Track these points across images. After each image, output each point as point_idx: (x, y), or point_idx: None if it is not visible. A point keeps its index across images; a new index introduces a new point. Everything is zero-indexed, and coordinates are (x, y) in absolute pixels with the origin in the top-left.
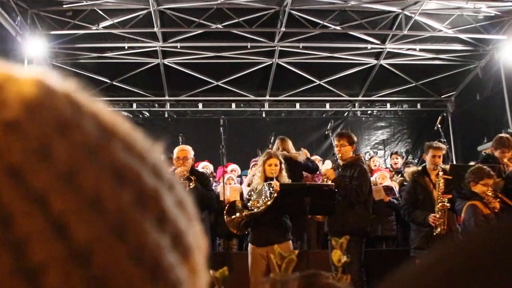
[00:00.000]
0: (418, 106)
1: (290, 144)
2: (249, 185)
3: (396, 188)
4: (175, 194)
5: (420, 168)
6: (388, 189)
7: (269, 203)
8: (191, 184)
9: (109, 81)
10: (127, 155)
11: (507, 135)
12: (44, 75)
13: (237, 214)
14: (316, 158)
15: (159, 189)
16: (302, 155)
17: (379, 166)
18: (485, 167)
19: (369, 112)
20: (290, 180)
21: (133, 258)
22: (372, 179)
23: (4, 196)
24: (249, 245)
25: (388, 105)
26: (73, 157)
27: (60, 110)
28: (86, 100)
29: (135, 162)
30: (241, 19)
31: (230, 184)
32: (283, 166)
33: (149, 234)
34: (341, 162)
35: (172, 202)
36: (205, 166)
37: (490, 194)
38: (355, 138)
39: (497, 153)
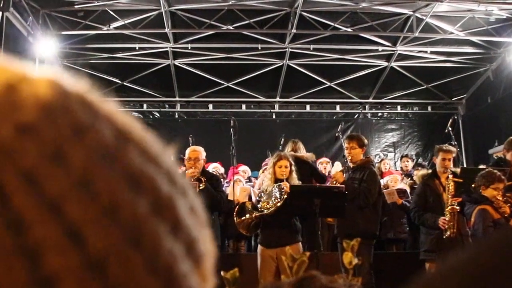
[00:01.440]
0: (429, 108)
1: (302, 146)
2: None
3: (408, 190)
4: (188, 200)
5: (430, 171)
6: (401, 192)
7: (279, 204)
8: (201, 185)
9: (120, 82)
10: (142, 160)
11: None
12: (58, 75)
13: (247, 215)
14: (324, 160)
15: (174, 196)
16: (310, 156)
17: (389, 168)
18: (495, 171)
19: (379, 114)
20: (300, 182)
21: (149, 267)
22: (383, 182)
23: (19, 201)
24: (259, 246)
25: (399, 107)
26: (89, 163)
27: (75, 113)
28: (100, 102)
29: (151, 167)
30: (252, 21)
31: (238, 185)
32: (293, 168)
33: (164, 242)
34: (351, 165)
35: (185, 209)
36: (215, 167)
37: (501, 198)
38: (365, 141)
39: (509, 155)
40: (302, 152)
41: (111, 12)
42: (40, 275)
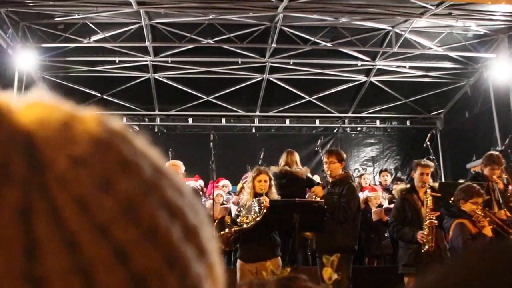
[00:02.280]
0: (408, 123)
1: (297, 158)
2: (238, 203)
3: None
4: (207, 230)
5: (408, 185)
6: (389, 210)
7: (258, 219)
8: None
9: (99, 95)
10: (174, 193)
11: (497, 153)
12: (103, 115)
13: (226, 230)
14: None
15: (198, 225)
16: (305, 170)
17: (369, 183)
18: (475, 185)
19: (358, 128)
20: (280, 197)
21: (181, 285)
22: (363, 195)
23: (73, 224)
24: (238, 261)
25: (378, 122)
26: (133, 193)
27: (120, 148)
28: (136, 139)
29: (180, 199)
30: (232, 35)
31: (219, 200)
32: (272, 182)
33: (192, 265)
34: (330, 179)
35: (206, 237)
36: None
37: (480, 212)
38: (345, 156)
39: (486, 170)
40: (297, 164)
41: (91, 25)
42: None
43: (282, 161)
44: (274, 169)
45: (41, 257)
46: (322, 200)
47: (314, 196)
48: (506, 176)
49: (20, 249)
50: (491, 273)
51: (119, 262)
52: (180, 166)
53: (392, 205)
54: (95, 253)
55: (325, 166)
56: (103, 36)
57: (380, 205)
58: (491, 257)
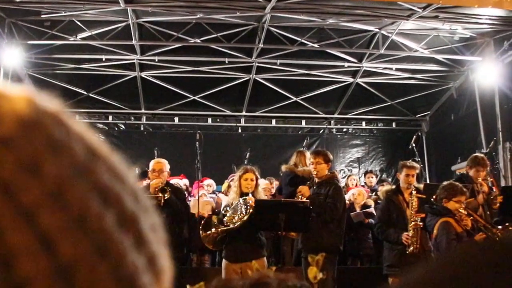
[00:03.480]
0: (393, 125)
1: (306, 158)
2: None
3: (372, 205)
4: (150, 218)
5: (394, 186)
6: (368, 214)
7: (244, 218)
8: (165, 195)
9: (85, 93)
10: (110, 177)
11: (482, 155)
12: (34, 93)
13: (213, 230)
14: None
15: (137, 212)
16: (309, 171)
17: (356, 184)
18: (457, 183)
19: (344, 130)
20: (266, 196)
21: (113, 276)
22: (348, 196)
23: None
24: (223, 260)
25: (364, 123)
26: (62, 176)
27: (51, 129)
28: (72, 121)
29: (117, 184)
30: (219, 34)
31: (202, 199)
32: (259, 181)
33: (128, 254)
34: (316, 180)
35: (147, 225)
36: (177, 184)
37: (463, 211)
38: (331, 156)
39: (471, 172)
40: (306, 165)
41: (78, 23)
42: (11, 279)
43: (291, 161)
44: (283, 168)
45: None
46: (308, 200)
47: (300, 196)
48: (491, 179)
49: None
50: (478, 267)
51: (44, 250)
52: (165, 164)
53: (371, 210)
54: (17, 239)
55: (311, 167)
56: (89, 33)
57: (365, 205)
58: (478, 252)
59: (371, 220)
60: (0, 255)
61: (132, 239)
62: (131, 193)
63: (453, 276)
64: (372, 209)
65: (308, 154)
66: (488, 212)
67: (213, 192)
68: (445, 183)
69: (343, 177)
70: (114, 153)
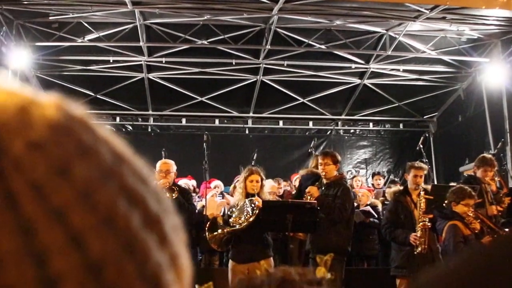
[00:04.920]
0: (401, 126)
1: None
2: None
3: (379, 206)
4: (171, 219)
5: (401, 187)
6: (366, 213)
7: (251, 219)
8: (173, 194)
9: (93, 94)
10: (134, 180)
11: (490, 155)
12: (63, 100)
13: (219, 231)
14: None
15: (160, 213)
16: None
17: (361, 185)
18: (466, 187)
19: (351, 131)
20: (271, 197)
21: (139, 273)
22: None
23: (28, 209)
24: (230, 261)
25: (371, 124)
26: (90, 178)
27: (79, 134)
28: (98, 126)
29: (141, 187)
30: (226, 36)
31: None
32: (264, 182)
33: (153, 253)
34: (324, 181)
35: (169, 226)
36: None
37: (471, 214)
38: (340, 158)
39: (479, 172)
40: None
41: (86, 24)
42: (45, 274)
43: (312, 164)
44: (302, 172)
45: None
46: (315, 201)
47: (309, 197)
48: (498, 179)
49: None
50: (489, 268)
51: (74, 247)
52: (172, 165)
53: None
54: (50, 238)
55: (320, 168)
56: (97, 35)
57: (370, 206)
58: (488, 253)
59: (373, 220)
60: (34, 253)
61: (156, 239)
62: (154, 195)
63: (470, 274)
64: (369, 208)
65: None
66: (496, 212)
67: (221, 193)
68: (454, 186)
69: (350, 178)
70: (137, 157)
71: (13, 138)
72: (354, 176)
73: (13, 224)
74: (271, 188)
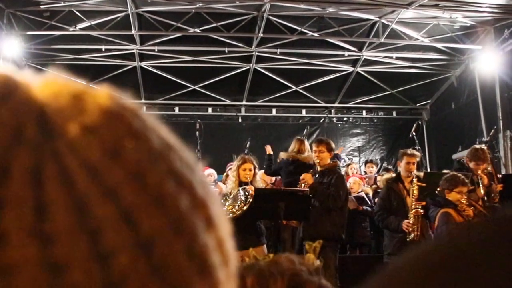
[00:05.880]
0: (394, 113)
1: (307, 146)
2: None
3: (370, 194)
4: (217, 206)
5: (394, 175)
6: (360, 199)
7: (245, 208)
8: None
9: (85, 83)
10: (182, 165)
11: (482, 147)
12: (114, 91)
13: None
14: None
15: (207, 198)
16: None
17: (356, 172)
18: (459, 175)
19: (345, 119)
20: (264, 185)
21: (187, 252)
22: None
23: (82, 187)
24: None
25: (364, 112)
26: (141, 160)
27: (130, 120)
28: (149, 117)
29: (189, 172)
30: (219, 24)
31: None
32: (257, 171)
33: (200, 234)
34: (318, 168)
35: (215, 212)
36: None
37: (464, 201)
38: (334, 145)
39: (471, 165)
40: (308, 153)
41: (77, 13)
42: (98, 249)
43: (293, 148)
44: (282, 155)
45: (50, 216)
46: (307, 189)
47: (304, 184)
48: (491, 171)
49: (31, 207)
50: (470, 246)
51: (126, 224)
52: None
53: (362, 194)
54: (103, 214)
55: (314, 155)
56: (89, 24)
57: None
58: (468, 231)
59: (366, 208)
60: (88, 229)
61: (203, 221)
62: (200, 181)
63: (443, 258)
64: (363, 194)
65: (306, 142)
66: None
67: (214, 182)
68: (447, 174)
69: (343, 166)
70: (184, 147)
71: (68, 122)
72: (349, 164)
73: (68, 201)
74: (263, 176)
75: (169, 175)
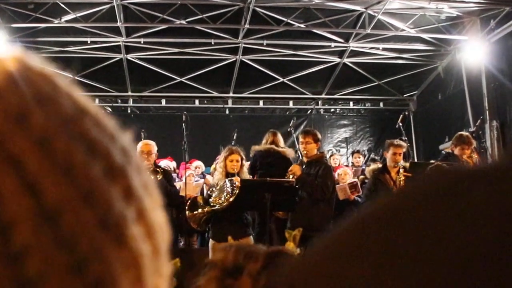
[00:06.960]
0: (381, 105)
1: (281, 138)
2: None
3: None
4: (142, 177)
5: (380, 165)
6: (353, 186)
7: (231, 199)
8: (158, 176)
9: (71, 76)
10: (98, 131)
11: (467, 133)
12: (25, 55)
13: (199, 210)
14: None
15: (127, 167)
16: (291, 151)
17: (339, 164)
18: (444, 165)
19: (332, 110)
20: (251, 176)
21: (100, 223)
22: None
23: None
24: (210, 240)
25: (351, 103)
26: (48, 126)
27: (38, 84)
28: (62, 81)
29: (106, 139)
30: (205, 15)
31: (190, 181)
32: (244, 162)
33: (115, 204)
34: (305, 159)
35: (138, 182)
36: (167, 165)
37: None
38: (320, 136)
39: (456, 150)
40: (282, 144)
41: (62, 5)
42: None
43: (268, 141)
44: (258, 147)
45: None
46: (293, 180)
47: (291, 176)
48: (476, 156)
49: None
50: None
51: (29, 193)
52: (153, 146)
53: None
54: (3, 184)
55: (301, 146)
56: (74, 16)
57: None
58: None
59: (356, 198)
60: None
61: (121, 191)
62: (121, 149)
63: (397, 208)
64: (356, 180)
65: (279, 134)
66: None
67: (202, 174)
68: (432, 164)
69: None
70: (103, 113)
71: None
72: (332, 155)
73: None
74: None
75: (80, 142)
